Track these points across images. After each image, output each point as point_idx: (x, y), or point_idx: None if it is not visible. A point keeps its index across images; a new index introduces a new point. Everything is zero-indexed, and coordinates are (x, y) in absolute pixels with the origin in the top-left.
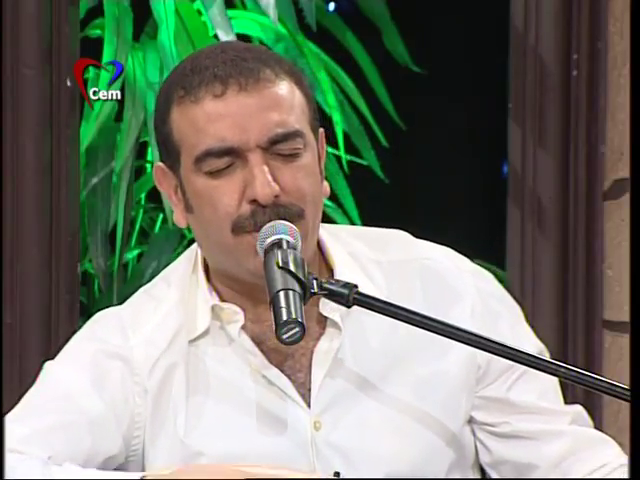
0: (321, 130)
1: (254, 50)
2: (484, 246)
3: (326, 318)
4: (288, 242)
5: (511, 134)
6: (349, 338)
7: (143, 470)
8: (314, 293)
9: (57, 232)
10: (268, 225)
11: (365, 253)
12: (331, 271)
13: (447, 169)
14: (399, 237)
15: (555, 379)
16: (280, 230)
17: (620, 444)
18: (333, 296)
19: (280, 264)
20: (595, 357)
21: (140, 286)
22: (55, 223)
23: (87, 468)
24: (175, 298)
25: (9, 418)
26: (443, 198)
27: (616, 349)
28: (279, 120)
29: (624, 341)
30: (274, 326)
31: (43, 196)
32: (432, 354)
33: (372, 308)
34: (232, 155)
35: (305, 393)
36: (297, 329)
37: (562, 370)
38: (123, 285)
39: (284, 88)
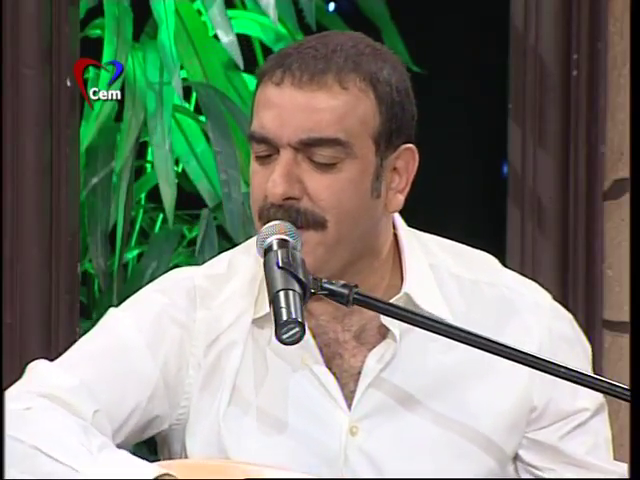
0: (408, 146)
1: (339, 47)
2: (484, 246)
3: (388, 329)
4: (288, 242)
5: (511, 134)
6: (405, 352)
7: (183, 441)
8: (314, 293)
9: (57, 232)
10: (268, 225)
11: (448, 266)
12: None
13: (447, 169)
14: (487, 260)
15: (609, 434)
16: (280, 230)
17: (620, 444)
18: (333, 296)
19: (280, 264)
20: (595, 357)
21: (140, 286)
22: (55, 223)
23: (129, 425)
24: (250, 272)
25: (59, 362)
26: (443, 198)
27: (616, 349)
28: (316, 124)
29: (624, 341)
30: (274, 326)
31: (43, 196)
32: (486, 383)
33: (373, 309)
34: (269, 145)
35: (348, 395)
36: (297, 329)
37: (562, 370)
38: (123, 285)
39: (344, 94)
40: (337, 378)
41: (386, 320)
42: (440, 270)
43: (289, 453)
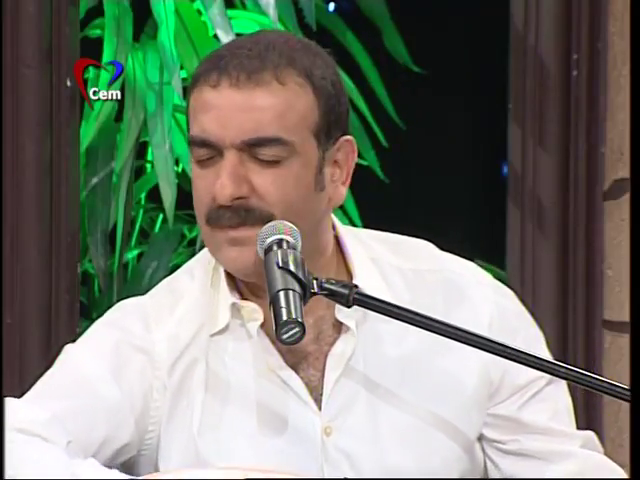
0: (346, 138)
1: (272, 44)
2: (484, 246)
3: (342, 323)
4: (288, 242)
5: (511, 134)
6: (363, 344)
7: (156, 465)
8: (314, 293)
9: (57, 232)
10: (268, 225)
11: (387, 259)
12: (350, 275)
13: (447, 169)
14: (424, 247)
15: (569, 401)
16: (280, 230)
17: (620, 444)
18: (333, 296)
19: (280, 264)
20: (595, 357)
21: (140, 286)
22: (55, 223)
23: (101, 454)
24: (198, 292)
25: (27, 398)
26: (443, 198)
27: (616, 349)
28: (258, 124)
29: (624, 341)
30: (274, 326)
31: (43, 196)
32: (447, 365)
33: (372, 308)
34: (211, 148)
35: (317, 397)
36: (297, 329)
37: (562, 370)
38: (123, 285)
39: (282, 90)
40: (304, 381)
41: (340, 315)
42: (381, 263)
43: (272, 458)
